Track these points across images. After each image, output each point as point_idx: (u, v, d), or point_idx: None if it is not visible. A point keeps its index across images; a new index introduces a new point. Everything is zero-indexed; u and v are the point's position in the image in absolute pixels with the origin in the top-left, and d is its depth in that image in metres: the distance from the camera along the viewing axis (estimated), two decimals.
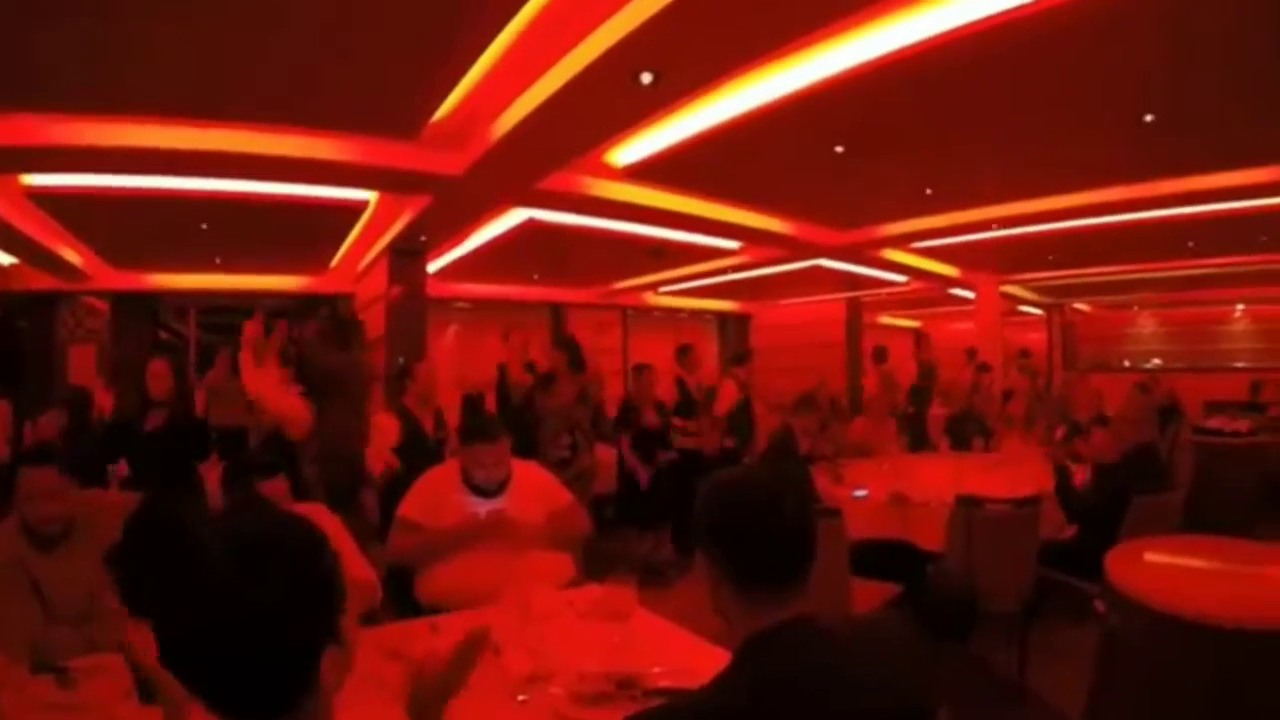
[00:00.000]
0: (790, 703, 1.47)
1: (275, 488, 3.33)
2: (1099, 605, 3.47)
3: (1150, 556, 3.77)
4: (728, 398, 8.94)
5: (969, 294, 15.20)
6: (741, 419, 8.82)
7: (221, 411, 7.23)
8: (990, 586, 4.64)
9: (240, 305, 12.67)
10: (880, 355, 12.33)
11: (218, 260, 11.24)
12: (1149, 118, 6.09)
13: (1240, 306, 20.57)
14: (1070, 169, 7.92)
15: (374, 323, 9.64)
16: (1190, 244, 11.55)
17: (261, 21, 4.33)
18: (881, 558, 5.03)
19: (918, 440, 9.45)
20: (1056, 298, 19.02)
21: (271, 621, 1.14)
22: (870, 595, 4.57)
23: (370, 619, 3.30)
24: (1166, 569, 3.70)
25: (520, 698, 2.31)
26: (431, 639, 2.58)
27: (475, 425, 3.75)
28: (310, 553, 1.23)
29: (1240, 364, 18.86)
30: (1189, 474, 7.26)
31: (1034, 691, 4.65)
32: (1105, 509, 4.92)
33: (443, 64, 4.95)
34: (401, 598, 3.59)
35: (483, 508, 3.53)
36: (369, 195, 7.75)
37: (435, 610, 3.17)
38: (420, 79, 5.15)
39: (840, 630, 1.70)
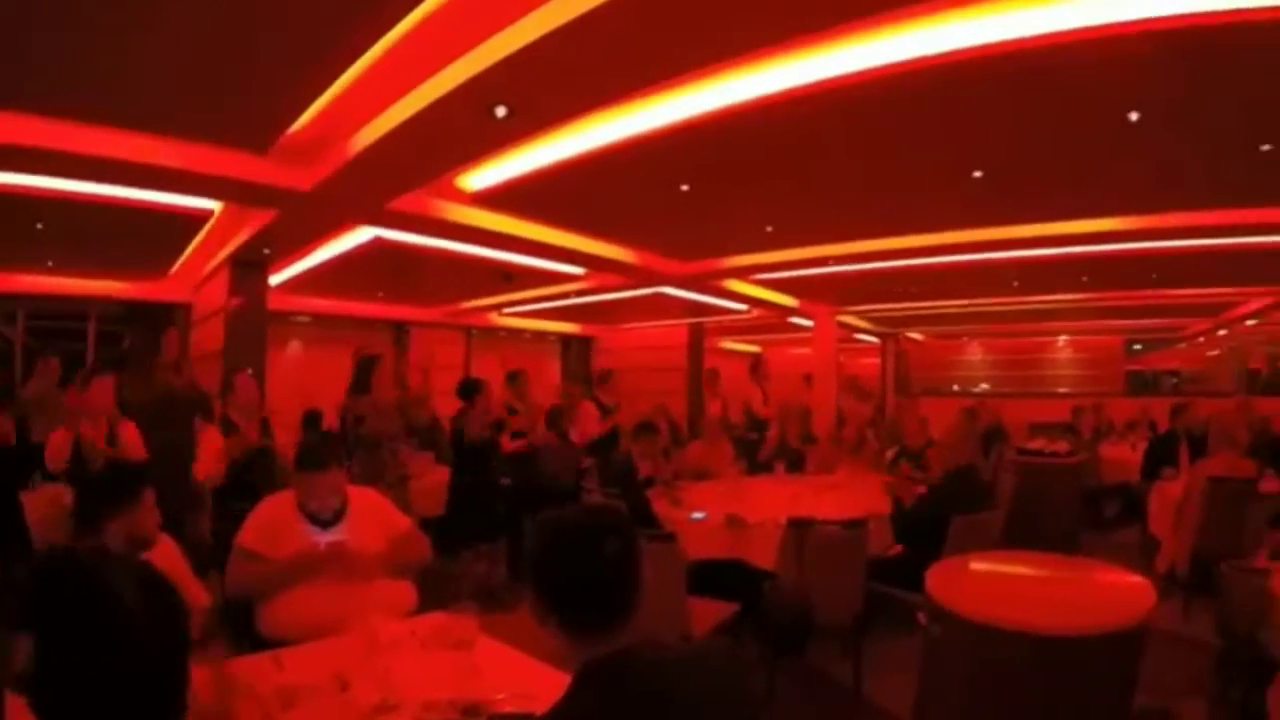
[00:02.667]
0: None
1: (148, 498, 3.26)
2: (921, 617, 3.63)
3: (965, 570, 4.02)
4: (588, 420, 9.14)
5: (808, 322, 15.57)
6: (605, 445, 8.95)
7: (46, 427, 6.32)
8: (823, 602, 4.81)
9: (73, 310, 12.20)
10: (712, 379, 12.64)
11: (50, 263, 10.69)
12: (977, 174, 6.57)
13: (1063, 338, 21.79)
14: (904, 214, 8.37)
15: (212, 336, 9.41)
16: (1015, 283, 12.30)
17: (118, 22, 4.15)
18: (719, 577, 5.15)
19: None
20: (891, 327, 19.63)
21: (176, 658, 1.19)
22: (709, 614, 4.65)
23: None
24: (980, 582, 3.95)
25: None
26: (276, 674, 2.57)
27: (304, 453, 3.62)
28: (179, 595, 1.28)
29: (1063, 390, 20.00)
30: (1010, 492, 7.65)
31: (869, 699, 4.86)
32: (928, 526, 5.19)
33: (300, 81, 4.89)
34: (243, 631, 3.43)
35: (322, 538, 3.45)
36: (214, 204, 7.55)
37: (278, 643, 3.06)
38: (276, 94, 5.07)
39: (670, 655, 1.75)
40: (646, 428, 7.04)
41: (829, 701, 5.04)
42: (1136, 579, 3.66)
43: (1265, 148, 5.96)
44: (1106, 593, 3.74)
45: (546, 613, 1.71)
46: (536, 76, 4.13)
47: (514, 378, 8.63)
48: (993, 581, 4.02)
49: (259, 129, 5.67)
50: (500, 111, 4.54)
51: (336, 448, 3.85)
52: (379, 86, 4.85)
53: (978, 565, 4.14)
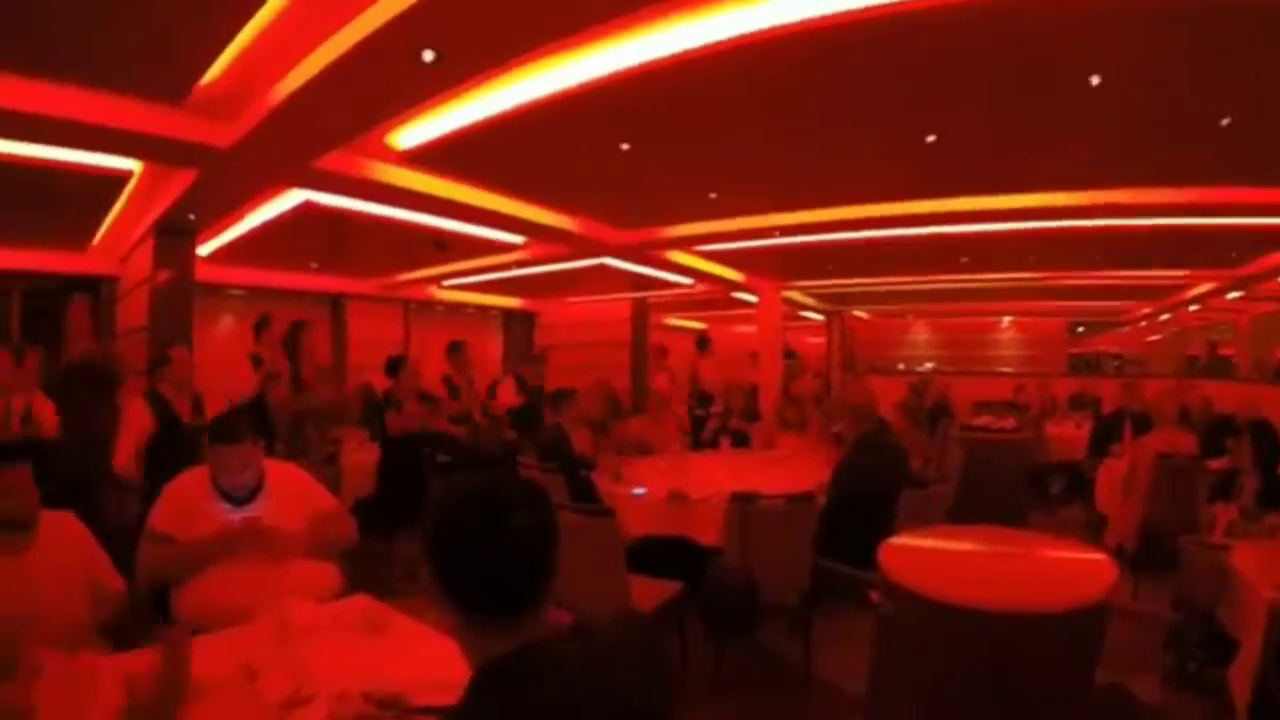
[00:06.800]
0: None
1: (20, 476, 2.98)
2: (874, 596, 3.54)
3: (921, 547, 3.89)
4: (506, 393, 9.25)
5: (753, 298, 15.52)
6: (526, 417, 8.88)
7: None
8: (769, 579, 4.75)
9: None
10: (661, 354, 12.59)
11: None
12: (931, 138, 6.43)
13: (1008, 319, 22.08)
14: (852, 183, 8.27)
15: (137, 309, 9.06)
16: (964, 259, 12.34)
17: None
18: (662, 555, 5.12)
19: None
20: (836, 304, 19.73)
21: None
22: (651, 593, 4.57)
23: (124, 643, 3.04)
24: (936, 559, 3.83)
25: None
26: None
27: (217, 425, 3.46)
28: None
29: (1007, 369, 20.29)
30: (958, 467, 7.61)
31: (820, 678, 4.81)
32: (846, 498, 5.24)
33: (213, 18, 4.48)
34: (160, 619, 3.26)
35: (237, 516, 3.27)
36: (133, 165, 7.08)
37: (194, 630, 2.78)
38: (187, 32, 4.60)
39: (573, 651, 1.58)
40: (563, 394, 7.03)
41: (778, 681, 5.00)
42: (1096, 554, 3.60)
43: (1225, 121, 5.90)
44: (1067, 568, 3.65)
45: (443, 594, 1.49)
46: (466, 16, 3.89)
47: (454, 349, 8.50)
48: (950, 559, 3.92)
49: (170, 75, 5.21)
50: (428, 56, 4.26)
51: (253, 421, 3.70)
52: (297, 29, 4.52)
53: (933, 542, 4.03)
